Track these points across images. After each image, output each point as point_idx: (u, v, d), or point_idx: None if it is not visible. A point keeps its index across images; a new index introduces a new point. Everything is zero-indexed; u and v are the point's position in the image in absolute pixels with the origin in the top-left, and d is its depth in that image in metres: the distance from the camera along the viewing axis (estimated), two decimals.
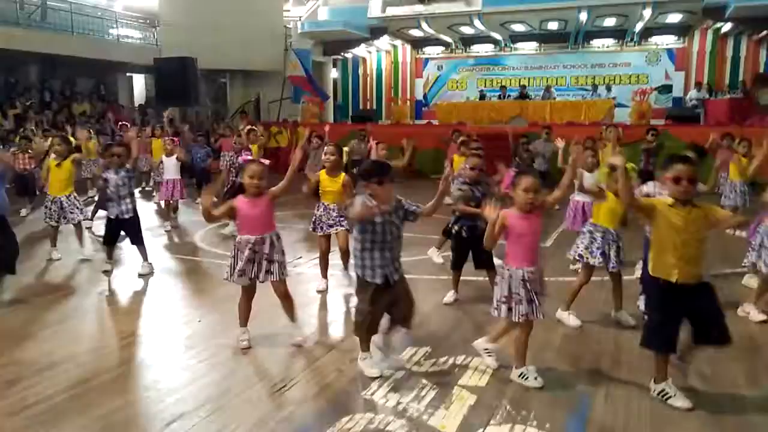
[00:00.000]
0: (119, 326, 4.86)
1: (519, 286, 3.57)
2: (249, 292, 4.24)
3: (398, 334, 4.03)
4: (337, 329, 4.77)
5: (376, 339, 3.90)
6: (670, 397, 3.38)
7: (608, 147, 8.82)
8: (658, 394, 3.43)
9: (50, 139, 7.20)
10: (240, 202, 4.06)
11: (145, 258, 6.29)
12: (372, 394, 3.54)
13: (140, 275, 6.15)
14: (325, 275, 5.68)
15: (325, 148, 5.53)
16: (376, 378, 3.72)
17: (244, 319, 4.29)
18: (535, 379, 3.62)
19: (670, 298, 3.36)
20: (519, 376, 3.67)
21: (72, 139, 9.13)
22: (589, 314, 4.81)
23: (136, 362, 4.06)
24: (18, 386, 3.63)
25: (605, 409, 3.39)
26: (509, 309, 3.61)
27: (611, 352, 4.20)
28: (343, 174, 5.50)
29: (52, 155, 6.82)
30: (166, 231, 8.35)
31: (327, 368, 3.93)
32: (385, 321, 3.85)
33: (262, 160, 4.21)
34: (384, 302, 3.74)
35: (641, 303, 4.74)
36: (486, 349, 3.92)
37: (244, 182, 4.09)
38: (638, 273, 5.30)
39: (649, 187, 4.89)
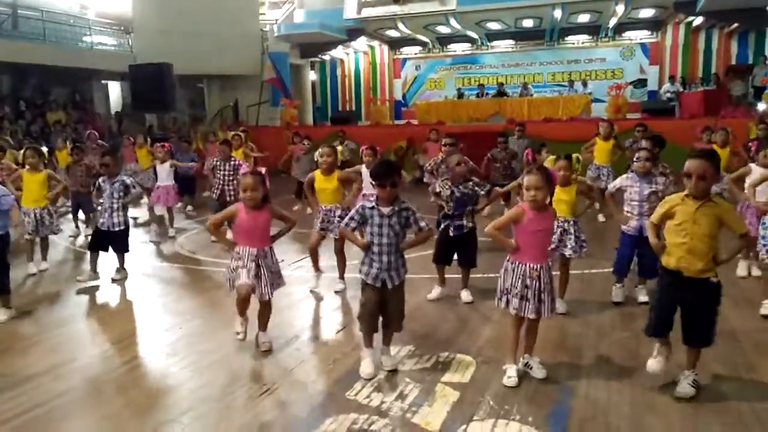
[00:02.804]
0: (99, 336, 4.81)
1: (517, 281, 3.60)
2: (247, 293, 4.16)
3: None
4: (319, 332, 4.76)
5: None
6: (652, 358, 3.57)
7: (599, 143, 8.91)
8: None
9: (23, 150, 7.07)
10: (241, 211, 4.07)
11: (122, 265, 6.25)
12: (355, 394, 3.54)
13: (113, 280, 6.13)
14: (317, 268, 5.70)
15: (321, 149, 5.58)
16: (368, 379, 3.73)
17: (242, 312, 4.22)
18: (509, 378, 3.63)
19: (666, 284, 3.43)
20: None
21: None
22: (568, 306, 4.88)
23: (117, 372, 4.01)
24: None
25: (587, 400, 3.42)
26: (507, 302, 3.66)
27: (591, 344, 4.25)
28: (337, 171, 5.56)
29: (26, 167, 6.69)
30: (151, 241, 8.20)
31: (310, 371, 3.93)
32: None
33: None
34: (376, 302, 3.79)
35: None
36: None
37: (240, 196, 4.10)
38: None
39: (621, 179, 4.98)
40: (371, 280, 3.75)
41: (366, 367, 3.81)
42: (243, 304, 4.18)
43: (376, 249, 3.71)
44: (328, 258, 5.81)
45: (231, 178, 7.80)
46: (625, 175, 5.00)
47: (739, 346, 4.13)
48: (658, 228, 3.52)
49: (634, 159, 4.91)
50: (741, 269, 5.73)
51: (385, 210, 3.69)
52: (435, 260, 5.34)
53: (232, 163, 7.96)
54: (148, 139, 11.67)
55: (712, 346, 3.48)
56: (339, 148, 5.98)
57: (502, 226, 3.71)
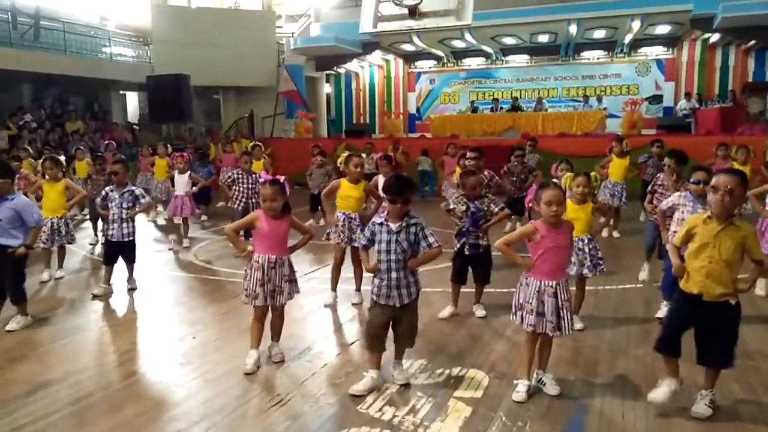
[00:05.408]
0: (113, 344, 4.84)
1: (533, 297, 3.55)
2: (263, 313, 4.16)
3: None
4: (332, 344, 4.76)
5: None
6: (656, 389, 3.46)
7: (615, 160, 8.83)
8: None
9: (42, 160, 7.15)
10: (261, 219, 4.06)
11: (131, 274, 6.28)
12: (367, 407, 3.53)
13: (130, 289, 6.18)
14: (334, 288, 5.68)
15: (353, 159, 5.56)
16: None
17: (256, 341, 4.18)
18: (517, 393, 3.59)
19: (682, 304, 3.38)
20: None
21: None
22: (583, 322, 4.84)
23: (131, 380, 4.03)
24: (10, 407, 3.60)
25: (601, 418, 3.39)
26: (522, 318, 3.61)
27: (606, 360, 4.21)
28: (363, 182, 5.57)
29: (46, 176, 6.77)
30: (170, 249, 8.28)
31: (322, 383, 3.92)
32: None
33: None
34: (385, 321, 3.75)
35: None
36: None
37: (261, 205, 4.10)
38: None
39: (675, 197, 4.82)
40: (382, 300, 3.70)
41: (359, 385, 3.74)
42: (258, 326, 4.16)
43: (384, 266, 3.66)
44: (343, 270, 5.78)
45: (254, 191, 7.94)
46: (678, 194, 4.85)
47: (755, 366, 4.07)
48: (681, 250, 3.44)
49: (691, 181, 4.67)
50: (759, 288, 5.64)
51: (393, 226, 3.65)
52: (452, 278, 5.33)
53: (254, 176, 8.11)
54: (169, 147, 11.77)
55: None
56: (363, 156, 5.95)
57: (513, 243, 3.68)
